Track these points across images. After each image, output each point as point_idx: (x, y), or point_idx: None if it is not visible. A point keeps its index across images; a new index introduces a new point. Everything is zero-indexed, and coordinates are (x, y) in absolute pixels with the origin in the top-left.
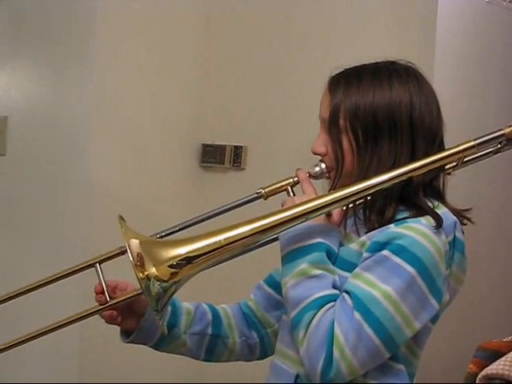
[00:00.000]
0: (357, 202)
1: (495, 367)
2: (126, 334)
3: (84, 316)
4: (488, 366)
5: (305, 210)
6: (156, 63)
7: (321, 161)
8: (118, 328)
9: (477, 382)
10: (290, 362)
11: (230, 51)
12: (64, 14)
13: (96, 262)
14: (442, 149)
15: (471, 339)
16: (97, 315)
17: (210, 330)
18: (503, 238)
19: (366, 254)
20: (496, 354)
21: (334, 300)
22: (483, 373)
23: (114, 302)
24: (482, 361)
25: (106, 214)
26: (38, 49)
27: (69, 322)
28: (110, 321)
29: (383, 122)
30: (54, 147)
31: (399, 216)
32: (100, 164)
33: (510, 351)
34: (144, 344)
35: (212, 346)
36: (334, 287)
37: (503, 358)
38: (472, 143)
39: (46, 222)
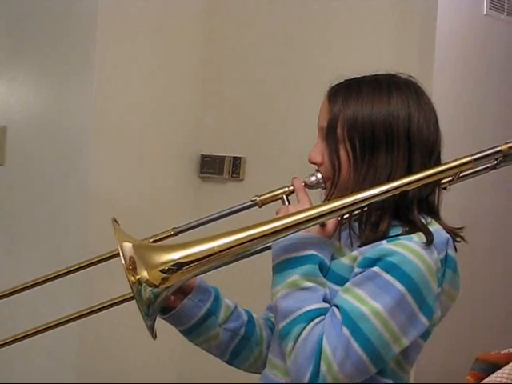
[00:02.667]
0: (352, 214)
1: (493, 379)
2: (164, 311)
3: (83, 315)
4: (485, 378)
5: (298, 219)
6: (156, 74)
7: (317, 170)
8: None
9: None
10: (278, 372)
11: (229, 62)
12: (63, 22)
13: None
14: (438, 163)
15: (469, 351)
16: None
17: (242, 332)
18: (500, 250)
19: (357, 270)
20: (494, 367)
21: (324, 314)
22: None
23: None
24: (479, 373)
25: (105, 224)
26: (37, 58)
27: (67, 320)
28: None
29: (380, 134)
30: (53, 157)
31: (393, 232)
32: (99, 174)
33: (507, 363)
34: (178, 326)
35: (240, 348)
36: (325, 301)
37: (501, 371)
38: (469, 159)
39: (45, 231)
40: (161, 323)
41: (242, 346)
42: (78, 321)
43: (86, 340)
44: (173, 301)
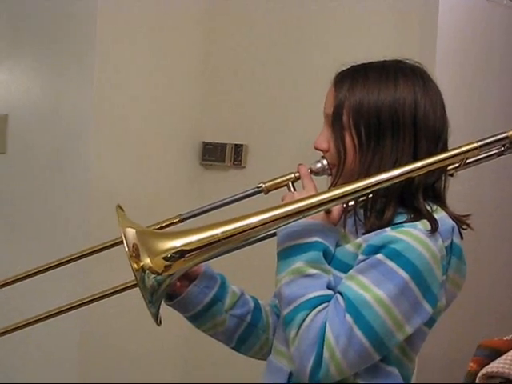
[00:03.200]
0: (358, 201)
1: (495, 365)
2: (170, 298)
3: (85, 303)
4: (488, 364)
5: (304, 206)
6: (156, 61)
7: (323, 157)
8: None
9: (477, 380)
10: (284, 359)
11: (230, 50)
12: (64, 11)
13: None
14: (445, 150)
15: (472, 338)
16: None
17: (249, 318)
18: (505, 237)
19: (361, 257)
20: (496, 353)
21: (328, 301)
22: (483, 371)
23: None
24: (482, 359)
25: (106, 212)
26: (38, 46)
27: (70, 307)
28: None
29: (386, 121)
30: (55, 145)
31: (398, 219)
32: (100, 162)
33: (510, 350)
34: (184, 312)
35: (246, 334)
36: (329, 288)
37: (503, 357)
38: (474, 145)
39: (47, 220)
40: (165, 312)
41: (248, 333)
42: (79, 309)
43: (87, 330)
44: (178, 287)
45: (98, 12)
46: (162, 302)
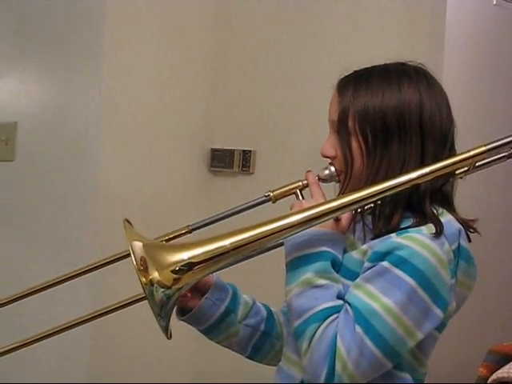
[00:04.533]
0: (365, 207)
1: (506, 371)
2: (182, 312)
3: (95, 316)
4: (498, 369)
5: (313, 214)
6: (165, 68)
7: (330, 164)
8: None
9: None
10: (294, 367)
11: (239, 56)
12: (71, 19)
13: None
14: (452, 151)
15: (482, 343)
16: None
17: (262, 327)
18: None
19: (367, 264)
20: (507, 358)
21: (338, 311)
22: (494, 376)
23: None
24: (492, 364)
25: (115, 219)
26: (46, 54)
27: (79, 322)
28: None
29: (392, 124)
30: (63, 153)
31: (404, 223)
32: (109, 168)
33: None
34: (198, 326)
35: (261, 343)
36: (339, 297)
37: None
38: (483, 149)
39: (55, 227)
40: (176, 322)
41: (262, 342)
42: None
43: (98, 339)
44: (190, 300)
45: (106, 20)
46: (174, 317)
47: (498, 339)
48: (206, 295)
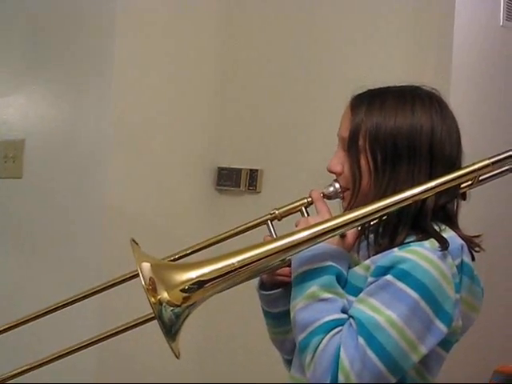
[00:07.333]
0: (371, 225)
1: None
2: (265, 287)
3: (102, 338)
4: None
5: (319, 231)
6: (173, 87)
7: (335, 180)
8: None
9: None
10: None
11: (246, 75)
12: (80, 36)
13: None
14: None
15: (488, 363)
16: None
17: None
18: None
19: (370, 279)
20: None
21: (342, 324)
22: None
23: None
24: None
25: (123, 237)
26: (55, 71)
27: (87, 344)
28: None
29: (403, 147)
30: (71, 170)
31: (406, 240)
32: (116, 187)
33: None
34: (271, 307)
35: None
36: (343, 311)
37: None
38: (487, 162)
39: (63, 245)
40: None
41: None
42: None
43: (104, 355)
44: (279, 281)
45: (116, 37)
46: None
47: (505, 360)
48: None
